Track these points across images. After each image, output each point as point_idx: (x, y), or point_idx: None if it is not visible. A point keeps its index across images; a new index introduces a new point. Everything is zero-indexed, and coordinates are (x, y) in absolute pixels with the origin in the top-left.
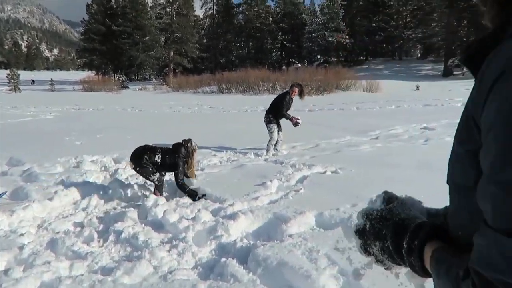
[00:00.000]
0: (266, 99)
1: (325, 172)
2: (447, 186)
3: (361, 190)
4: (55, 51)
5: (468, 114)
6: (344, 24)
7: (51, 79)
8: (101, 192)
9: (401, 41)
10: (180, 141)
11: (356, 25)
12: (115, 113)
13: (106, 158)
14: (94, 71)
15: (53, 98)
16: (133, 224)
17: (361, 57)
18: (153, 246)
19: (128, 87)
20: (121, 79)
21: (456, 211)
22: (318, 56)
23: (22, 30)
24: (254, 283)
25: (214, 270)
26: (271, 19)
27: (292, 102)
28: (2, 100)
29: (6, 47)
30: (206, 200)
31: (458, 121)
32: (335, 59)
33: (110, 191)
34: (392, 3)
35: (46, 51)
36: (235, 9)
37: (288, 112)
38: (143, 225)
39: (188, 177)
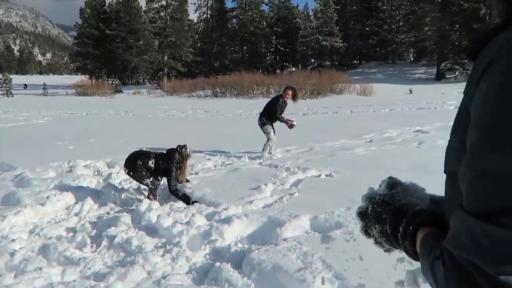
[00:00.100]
0: (261, 103)
1: (320, 175)
2: (443, 188)
3: (355, 193)
4: (48, 55)
5: (462, 105)
6: (337, 28)
7: (44, 84)
8: (94, 197)
9: (394, 45)
10: (175, 147)
11: (350, 29)
12: (108, 118)
13: (99, 163)
14: (87, 75)
15: (46, 102)
16: (126, 229)
17: (355, 61)
18: (147, 251)
19: (122, 91)
20: (114, 83)
21: (450, 200)
22: (312, 60)
23: (14, 34)
24: None
25: (209, 274)
26: (265, 23)
27: (286, 105)
28: None
29: None
30: (200, 204)
31: (451, 124)
32: (329, 63)
33: (103, 196)
34: (385, 7)
35: (39, 55)
36: (229, 13)
37: (282, 115)
38: (136, 230)
39: (180, 182)
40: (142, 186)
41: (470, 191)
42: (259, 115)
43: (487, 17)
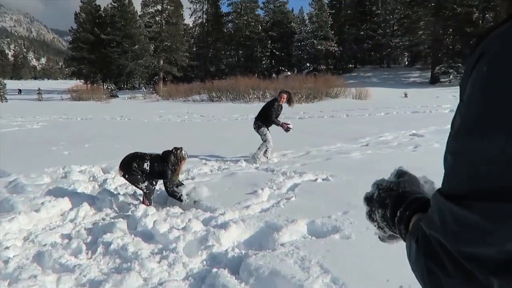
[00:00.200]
0: (257, 107)
1: (316, 179)
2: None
3: (352, 197)
4: (43, 60)
5: (460, 98)
6: (332, 32)
7: (39, 88)
8: (90, 203)
9: (389, 49)
10: (171, 149)
11: (345, 33)
12: (104, 122)
13: (94, 168)
14: (82, 80)
15: (40, 107)
16: (122, 235)
17: (350, 65)
18: (143, 257)
19: (117, 96)
20: (110, 88)
21: None
22: (308, 64)
23: (9, 39)
24: None
25: (206, 281)
26: (260, 27)
27: (281, 108)
28: None
29: None
30: (196, 209)
31: (446, 127)
32: (324, 67)
33: (99, 202)
34: (379, 11)
35: (34, 60)
36: (224, 17)
37: (277, 118)
38: (132, 236)
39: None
40: (138, 191)
41: (445, 173)
42: (254, 119)
43: (480, 21)
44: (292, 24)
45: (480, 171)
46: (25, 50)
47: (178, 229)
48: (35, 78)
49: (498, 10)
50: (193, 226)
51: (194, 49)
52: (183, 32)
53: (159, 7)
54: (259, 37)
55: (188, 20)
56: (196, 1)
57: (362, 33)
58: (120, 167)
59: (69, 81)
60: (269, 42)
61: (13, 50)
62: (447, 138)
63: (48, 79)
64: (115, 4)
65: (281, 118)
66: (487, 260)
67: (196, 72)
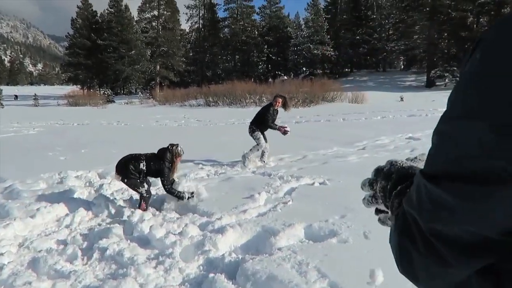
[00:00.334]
0: (253, 112)
1: (313, 183)
2: None
3: (349, 201)
4: (39, 66)
5: None
6: (328, 37)
7: (35, 94)
8: (86, 208)
9: (385, 53)
10: (166, 146)
11: (340, 38)
12: (100, 128)
13: (91, 173)
14: (79, 86)
15: (37, 113)
16: (118, 241)
17: (346, 69)
18: (139, 262)
19: (114, 101)
20: (106, 93)
21: None
22: (304, 69)
23: (5, 45)
24: None
25: (202, 286)
26: (256, 32)
27: (277, 113)
28: None
29: None
30: (192, 197)
31: None
32: (321, 71)
33: (95, 207)
34: (374, 16)
35: (30, 65)
36: (220, 23)
37: (274, 123)
38: (128, 241)
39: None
40: (135, 197)
41: (428, 153)
42: (249, 124)
43: (475, 26)
44: (288, 29)
45: (457, 153)
46: (21, 56)
47: (174, 234)
48: (32, 84)
49: (493, 14)
50: (189, 231)
51: (191, 54)
52: (179, 37)
53: (155, 12)
54: (256, 42)
55: (185, 25)
56: (193, 7)
57: (358, 37)
58: (116, 171)
59: (65, 86)
60: (266, 46)
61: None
62: None
63: (45, 85)
64: (112, 10)
65: (278, 123)
66: (454, 240)
67: (192, 77)
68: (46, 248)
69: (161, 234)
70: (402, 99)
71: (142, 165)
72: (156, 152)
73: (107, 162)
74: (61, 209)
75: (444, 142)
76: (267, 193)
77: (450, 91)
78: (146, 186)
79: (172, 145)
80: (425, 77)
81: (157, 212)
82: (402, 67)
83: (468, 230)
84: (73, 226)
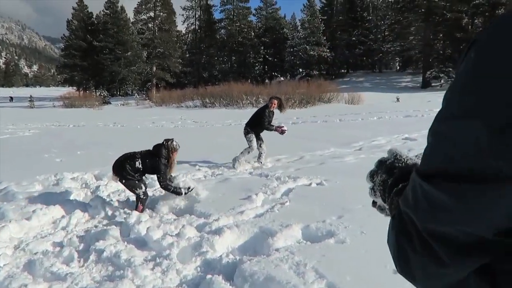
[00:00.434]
0: (250, 113)
1: (310, 184)
2: None
3: (347, 202)
4: (35, 68)
5: None
6: (324, 38)
7: (31, 96)
8: (82, 210)
9: (381, 54)
10: (161, 142)
11: (337, 39)
12: (96, 129)
13: (87, 175)
14: (75, 87)
15: (32, 115)
16: (115, 242)
17: (342, 70)
18: (136, 264)
19: (110, 103)
20: (102, 94)
21: None
22: (300, 70)
23: (0, 47)
24: None
25: (200, 287)
26: (253, 33)
27: (273, 115)
28: None
29: None
30: (190, 191)
31: None
32: (317, 72)
33: (91, 209)
34: (370, 17)
35: (25, 67)
36: (217, 24)
37: (270, 124)
38: (125, 243)
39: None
40: (131, 198)
41: (423, 152)
42: (244, 125)
43: (469, 27)
44: (285, 30)
45: (452, 153)
46: (16, 57)
47: (171, 236)
48: (27, 86)
49: (488, 15)
50: (186, 232)
51: (187, 56)
52: (176, 39)
53: (151, 14)
54: (252, 43)
55: (181, 27)
56: (189, 8)
57: (353, 38)
58: (113, 172)
59: (61, 88)
60: (262, 48)
61: (5, 57)
62: None
63: (40, 86)
64: (108, 11)
65: (275, 123)
66: (450, 239)
67: (189, 78)
68: (42, 250)
69: (158, 235)
70: (398, 99)
71: (138, 163)
72: (151, 148)
73: (103, 164)
74: (57, 211)
75: (439, 142)
76: (264, 194)
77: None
78: (143, 187)
79: (167, 140)
80: (421, 78)
81: (154, 214)
82: (398, 68)
83: (464, 230)
84: (69, 228)
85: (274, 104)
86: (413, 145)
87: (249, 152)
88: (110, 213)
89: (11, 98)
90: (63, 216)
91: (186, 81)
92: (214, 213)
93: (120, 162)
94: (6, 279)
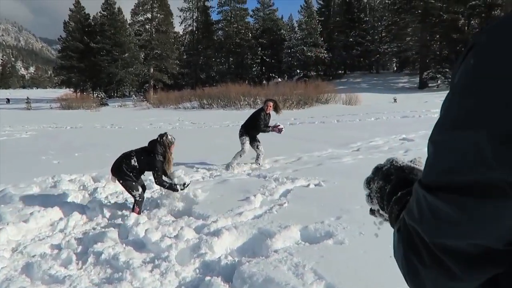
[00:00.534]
0: (247, 114)
1: (309, 185)
2: None
3: (345, 202)
4: (32, 69)
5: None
6: (322, 39)
7: (27, 98)
8: (80, 212)
9: (378, 55)
10: (156, 137)
11: (334, 40)
12: (94, 131)
13: (84, 177)
14: (72, 89)
15: (29, 116)
16: (113, 245)
17: (340, 71)
18: (135, 266)
19: (108, 104)
20: (100, 96)
21: None
22: (298, 71)
23: None
24: None
25: None
26: (250, 35)
27: (269, 117)
28: None
29: None
30: (187, 186)
31: None
32: (314, 73)
33: (89, 211)
34: (367, 18)
35: (22, 69)
36: (214, 25)
37: (266, 126)
38: (124, 245)
39: (166, 175)
40: (129, 200)
41: (426, 163)
42: (240, 126)
43: (466, 28)
44: (282, 31)
45: (455, 164)
46: (13, 59)
47: (170, 238)
48: (24, 87)
49: (484, 16)
50: (185, 234)
51: (185, 57)
52: (173, 40)
53: (149, 15)
54: (249, 44)
55: (178, 28)
56: (186, 9)
57: (351, 39)
58: (112, 172)
59: (58, 89)
60: (259, 49)
61: (1, 59)
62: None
63: (37, 88)
64: (105, 13)
65: (271, 124)
66: (460, 252)
67: (186, 80)
68: (40, 253)
69: (157, 237)
70: (395, 100)
71: (134, 161)
72: (147, 144)
73: (101, 166)
74: (55, 213)
75: (441, 152)
76: (262, 195)
77: (443, 92)
78: (140, 190)
79: (161, 136)
80: (418, 78)
81: (152, 216)
82: (395, 69)
83: (474, 242)
84: (67, 230)
85: (270, 106)
86: (411, 146)
87: (241, 155)
88: (108, 215)
89: (8, 100)
90: (61, 219)
91: (183, 83)
92: (213, 215)
93: (118, 163)
94: (4, 282)
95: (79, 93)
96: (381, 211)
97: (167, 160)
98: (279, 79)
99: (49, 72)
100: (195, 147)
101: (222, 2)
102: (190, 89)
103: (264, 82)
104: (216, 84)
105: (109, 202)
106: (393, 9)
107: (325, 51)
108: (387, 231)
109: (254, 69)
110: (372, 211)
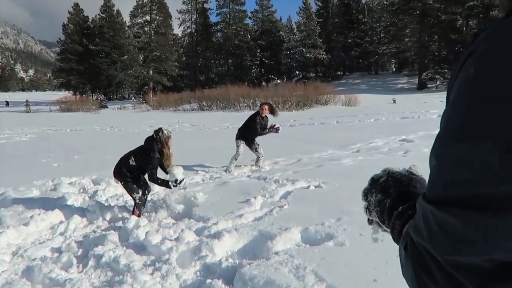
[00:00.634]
0: (247, 116)
1: (309, 186)
2: None
3: (345, 204)
4: (31, 72)
5: (447, 97)
6: (321, 40)
7: (27, 100)
8: (80, 215)
9: (376, 56)
10: (152, 134)
11: (333, 41)
12: (93, 133)
13: (84, 180)
14: (71, 91)
15: (29, 119)
16: (114, 248)
17: (339, 72)
18: (135, 269)
19: (107, 107)
20: (99, 98)
21: None
22: (297, 72)
23: None
24: None
25: None
26: (249, 36)
27: (266, 120)
28: None
29: None
30: (183, 184)
31: (435, 132)
32: (314, 75)
33: (89, 214)
34: (366, 20)
35: (21, 71)
36: (213, 27)
37: (263, 129)
38: (124, 248)
39: (167, 172)
40: (129, 203)
41: (430, 176)
42: (237, 129)
43: (464, 28)
44: (281, 32)
45: (462, 178)
46: (12, 62)
47: (170, 240)
48: (23, 90)
49: (482, 17)
50: (185, 237)
51: (184, 59)
52: (172, 42)
53: (147, 17)
54: (248, 46)
55: (177, 30)
56: (185, 11)
57: (349, 41)
58: (114, 175)
59: (57, 92)
60: (258, 50)
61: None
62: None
63: (36, 91)
64: (103, 15)
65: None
66: (475, 269)
67: (186, 82)
68: (40, 256)
69: (157, 240)
70: (394, 101)
71: (131, 161)
72: (143, 143)
73: (101, 168)
74: (55, 216)
75: (446, 166)
76: (262, 197)
77: (442, 93)
78: (140, 192)
79: (156, 132)
80: (417, 79)
81: (153, 218)
82: (394, 69)
83: (489, 258)
84: (67, 233)
85: (266, 110)
86: (410, 147)
87: (236, 158)
88: (108, 218)
89: (7, 103)
90: (61, 222)
91: (183, 85)
92: (213, 217)
93: (118, 165)
94: (4, 286)
95: (79, 96)
96: (380, 224)
97: (166, 156)
98: (278, 81)
99: (48, 75)
100: (195, 149)
101: (221, 4)
102: (190, 91)
103: (264, 83)
104: (216, 86)
105: (109, 204)
106: (391, 10)
107: (324, 53)
108: (387, 234)
109: (253, 70)
110: (370, 221)
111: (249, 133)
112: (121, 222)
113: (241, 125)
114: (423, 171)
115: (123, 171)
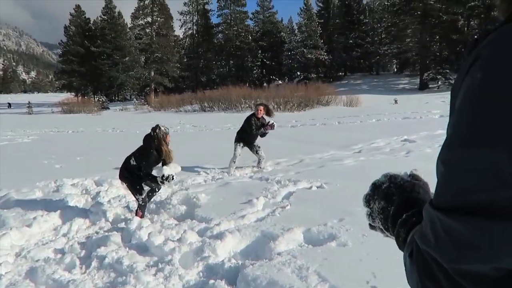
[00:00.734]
0: None
1: (311, 187)
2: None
3: (347, 204)
4: (33, 74)
5: (451, 103)
6: (322, 41)
7: (29, 102)
8: (83, 216)
9: (378, 57)
10: (149, 132)
11: (334, 42)
12: (95, 135)
13: (87, 181)
14: (73, 93)
15: (31, 121)
16: (116, 248)
17: (340, 73)
18: (138, 270)
19: (109, 108)
20: (101, 100)
21: None
22: (298, 73)
23: None
24: None
25: None
26: (250, 37)
27: (263, 121)
28: None
29: None
30: (170, 180)
31: (437, 132)
32: (315, 75)
33: (92, 215)
34: (367, 20)
35: (23, 73)
36: (214, 28)
37: (258, 130)
38: (127, 249)
39: (168, 163)
40: (132, 204)
41: (437, 183)
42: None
43: (465, 28)
44: (282, 33)
45: (471, 184)
46: (14, 64)
47: (173, 241)
48: (25, 92)
49: (483, 17)
50: (188, 238)
51: (185, 60)
52: (173, 43)
53: (149, 19)
54: (249, 47)
55: (178, 31)
56: (186, 13)
57: (351, 41)
58: (119, 178)
59: (59, 94)
60: (260, 51)
61: (2, 64)
62: (439, 144)
63: (38, 93)
64: (105, 17)
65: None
66: (482, 277)
67: (187, 83)
68: (43, 257)
69: (160, 241)
70: (396, 101)
71: (132, 161)
72: (142, 143)
73: (103, 170)
74: (58, 217)
75: (454, 172)
76: (265, 198)
77: (443, 93)
78: (143, 194)
79: (153, 129)
80: (418, 79)
81: (155, 219)
82: (395, 70)
83: (496, 266)
84: (70, 234)
85: (261, 110)
86: (412, 147)
87: (234, 161)
88: (111, 219)
89: (10, 105)
90: (64, 223)
91: (184, 86)
92: (215, 218)
93: (123, 167)
94: (8, 287)
95: (80, 97)
96: (384, 230)
97: (165, 153)
98: (280, 82)
99: (50, 77)
100: (197, 150)
101: (222, 5)
102: (191, 92)
103: (265, 84)
104: (217, 87)
105: (112, 206)
106: (392, 10)
107: (325, 53)
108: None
109: (254, 71)
110: (372, 226)
111: (246, 135)
112: (123, 223)
113: (239, 128)
114: (426, 171)
115: (126, 173)
